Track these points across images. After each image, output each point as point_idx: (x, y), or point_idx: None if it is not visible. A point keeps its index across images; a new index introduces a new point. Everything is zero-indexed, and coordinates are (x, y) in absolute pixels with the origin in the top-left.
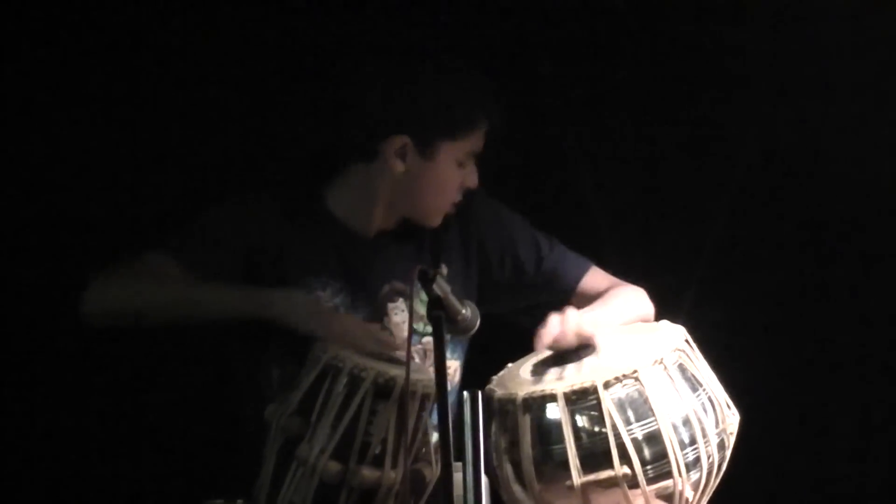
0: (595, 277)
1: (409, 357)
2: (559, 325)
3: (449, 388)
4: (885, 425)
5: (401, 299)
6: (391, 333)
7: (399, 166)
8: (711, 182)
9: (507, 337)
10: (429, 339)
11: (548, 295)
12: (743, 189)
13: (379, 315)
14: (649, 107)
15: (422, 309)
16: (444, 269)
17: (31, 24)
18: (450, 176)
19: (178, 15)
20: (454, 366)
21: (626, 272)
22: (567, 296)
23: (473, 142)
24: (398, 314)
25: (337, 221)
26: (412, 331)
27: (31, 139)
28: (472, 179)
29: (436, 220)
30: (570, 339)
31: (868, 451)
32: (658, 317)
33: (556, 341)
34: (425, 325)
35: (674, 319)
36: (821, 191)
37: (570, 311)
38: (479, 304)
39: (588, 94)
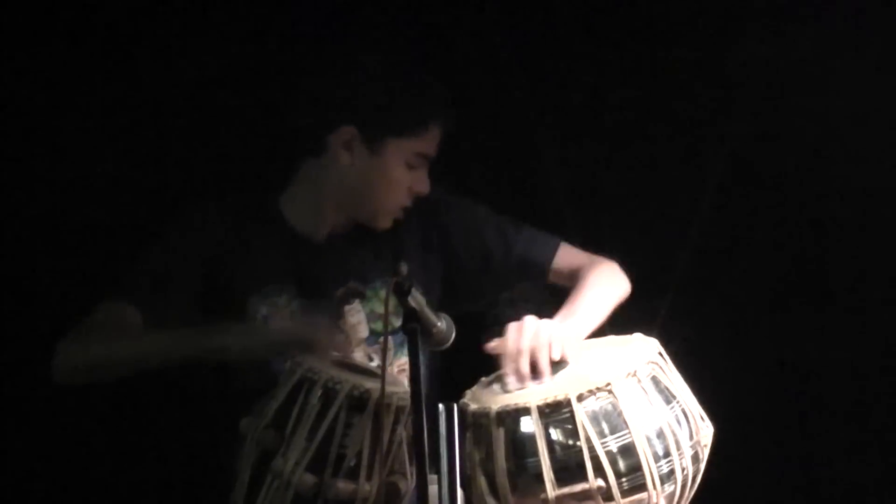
0: (567, 255)
1: (385, 369)
2: (516, 340)
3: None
4: (865, 435)
5: (357, 301)
6: (347, 336)
7: (345, 158)
8: (686, 193)
9: (481, 348)
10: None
11: (522, 279)
12: (719, 200)
13: (335, 318)
14: (626, 114)
15: (379, 307)
16: (404, 268)
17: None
18: (397, 175)
19: (132, 19)
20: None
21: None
22: (541, 277)
23: (424, 143)
24: (354, 315)
25: (289, 225)
26: (386, 342)
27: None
28: (423, 185)
29: (383, 223)
30: (524, 360)
31: (849, 461)
32: (632, 329)
33: (510, 358)
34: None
35: (647, 332)
36: (799, 201)
37: (528, 322)
38: (449, 298)
39: (563, 98)
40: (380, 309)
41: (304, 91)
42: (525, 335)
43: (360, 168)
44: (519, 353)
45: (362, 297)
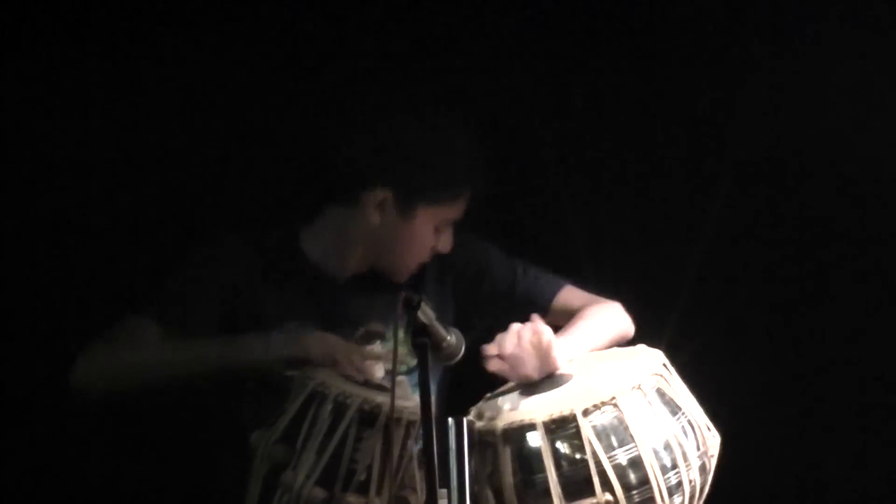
0: (570, 294)
1: (395, 384)
2: (514, 341)
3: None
4: (873, 447)
5: (377, 342)
6: (378, 358)
7: (376, 219)
8: (693, 204)
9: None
10: (402, 379)
11: (525, 315)
12: (725, 212)
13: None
14: (630, 127)
15: (401, 349)
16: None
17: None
18: (424, 238)
19: (160, 48)
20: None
21: (606, 297)
22: (542, 314)
23: (454, 210)
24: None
25: (311, 264)
26: (397, 357)
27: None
28: (445, 245)
29: (402, 277)
30: (528, 361)
31: (857, 472)
32: (636, 342)
33: (509, 357)
34: (401, 364)
35: (652, 344)
36: (807, 214)
37: (531, 324)
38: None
39: (568, 112)
40: (402, 348)
41: (343, 147)
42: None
43: (388, 229)
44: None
45: (382, 338)
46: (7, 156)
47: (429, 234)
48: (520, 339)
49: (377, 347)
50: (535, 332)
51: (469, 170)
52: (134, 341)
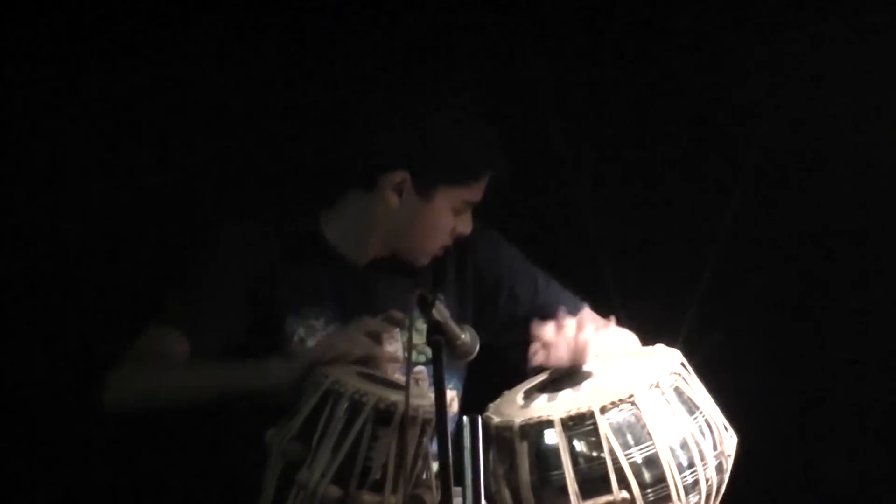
0: (589, 317)
1: (409, 382)
2: (555, 330)
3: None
4: (884, 444)
5: (396, 330)
6: (396, 351)
7: (394, 201)
8: (709, 206)
9: (505, 364)
10: (421, 369)
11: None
12: (743, 210)
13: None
14: (645, 130)
15: (418, 339)
16: (441, 298)
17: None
18: (443, 220)
19: (178, 38)
20: (450, 395)
21: (623, 296)
22: None
23: (473, 191)
24: (391, 344)
25: (331, 249)
26: (411, 355)
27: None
28: (466, 227)
29: (422, 260)
30: (563, 351)
31: (878, 472)
32: (654, 340)
33: (547, 344)
34: (419, 353)
35: (669, 343)
36: (818, 216)
37: (577, 319)
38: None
39: (586, 110)
40: (417, 339)
41: (361, 130)
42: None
43: (406, 211)
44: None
45: (402, 325)
46: (25, 146)
47: (448, 216)
48: (561, 330)
49: (394, 334)
50: (579, 327)
51: (487, 151)
52: (161, 356)
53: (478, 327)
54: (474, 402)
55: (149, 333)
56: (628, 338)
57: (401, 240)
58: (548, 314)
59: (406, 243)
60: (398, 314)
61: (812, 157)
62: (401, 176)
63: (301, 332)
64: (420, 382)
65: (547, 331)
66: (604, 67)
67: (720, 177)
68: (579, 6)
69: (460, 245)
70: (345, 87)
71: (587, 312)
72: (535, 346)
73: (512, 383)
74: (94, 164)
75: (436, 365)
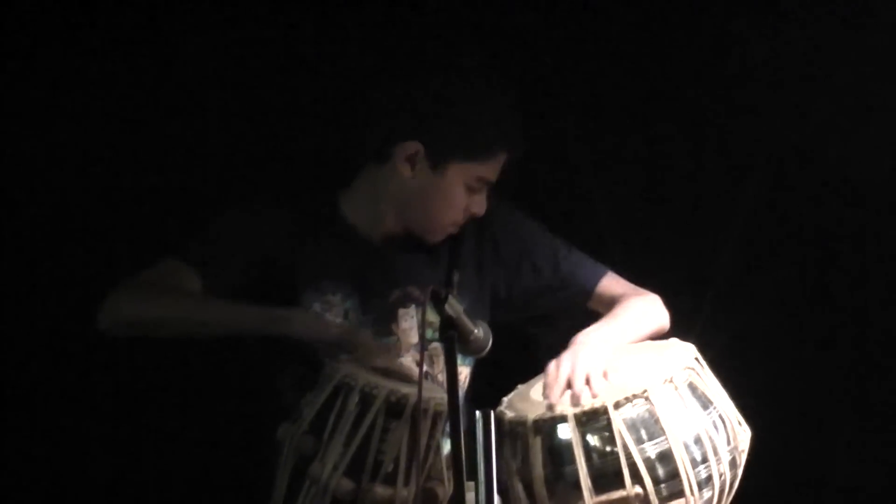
0: (612, 283)
1: (422, 376)
2: (554, 374)
3: (460, 393)
4: None
5: (412, 306)
6: (398, 339)
7: (406, 172)
8: (723, 200)
9: (518, 353)
10: (437, 345)
11: (564, 300)
12: (757, 205)
13: (388, 320)
14: (660, 122)
15: (431, 315)
16: (456, 276)
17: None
18: (455, 196)
19: (193, 17)
20: (465, 371)
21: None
22: (584, 299)
23: (487, 169)
24: (407, 320)
25: (349, 226)
26: (424, 348)
27: (34, 143)
28: (480, 207)
29: (434, 237)
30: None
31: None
32: (669, 335)
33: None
34: (434, 331)
35: (684, 338)
36: (834, 205)
37: (564, 358)
38: (495, 310)
39: (598, 105)
40: (432, 317)
41: (377, 99)
42: (563, 369)
43: (419, 183)
44: (558, 382)
45: (418, 302)
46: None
47: (460, 192)
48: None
49: (410, 311)
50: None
51: (502, 128)
52: (169, 284)
53: (498, 301)
54: (489, 395)
55: (159, 265)
56: (653, 305)
57: (412, 213)
58: (571, 282)
59: (417, 217)
60: (415, 290)
61: (829, 147)
62: (414, 147)
63: (317, 306)
64: (435, 359)
65: (548, 376)
66: (620, 50)
67: (741, 165)
68: None
69: (478, 220)
70: (360, 70)
71: (608, 280)
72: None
73: (524, 366)
74: (104, 147)
75: (449, 360)
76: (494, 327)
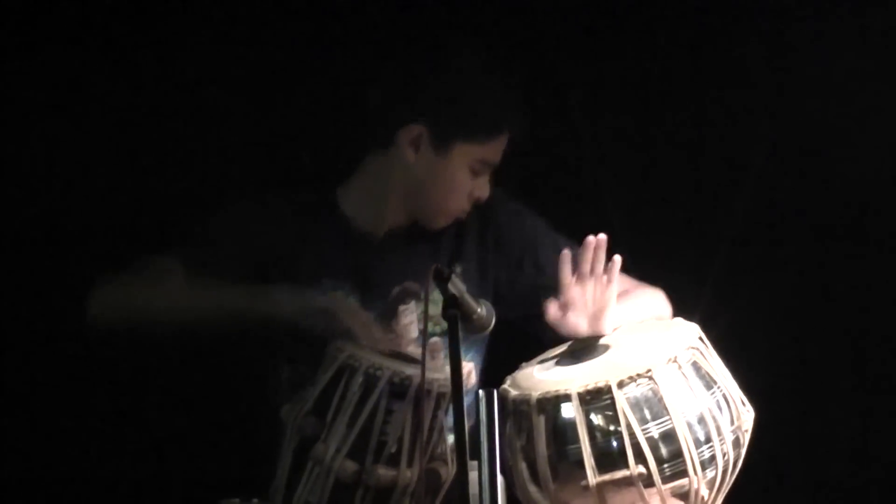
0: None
1: (425, 356)
2: (580, 289)
3: (464, 390)
4: None
5: (412, 301)
6: (398, 336)
7: (411, 155)
8: (726, 180)
9: (522, 337)
10: (436, 340)
11: None
12: (757, 187)
13: (388, 316)
14: (661, 107)
15: (434, 310)
16: (458, 269)
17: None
18: (459, 179)
19: (187, 10)
20: (468, 367)
21: (640, 270)
22: None
23: (490, 150)
24: (408, 316)
25: (348, 221)
26: (427, 328)
27: (32, 142)
28: (483, 191)
29: (440, 223)
30: (582, 313)
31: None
32: (672, 315)
33: (569, 300)
34: (435, 325)
35: (688, 317)
36: (834, 190)
37: (602, 281)
38: (496, 305)
39: (598, 93)
40: (434, 310)
41: (380, 83)
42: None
43: (423, 167)
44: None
45: (417, 297)
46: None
47: (464, 175)
48: (584, 290)
49: (410, 306)
50: (602, 289)
51: (505, 108)
52: (155, 278)
53: (500, 297)
54: (494, 378)
55: (145, 259)
56: (657, 298)
57: (418, 199)
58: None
59: (423, 203)
60: (414, 286)
61: (833, 139)
62: (418, 129)
63: None
64: (435, 354)
65: (571, 289)
66: (618, 53)
67: (744, 150)
68: None
69: (481, 215)
70: (361, 59)
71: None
72: (552, 303)
73: (532, 357)
74: (107, 142)
75: (451, 339)
76: (498, 325)
